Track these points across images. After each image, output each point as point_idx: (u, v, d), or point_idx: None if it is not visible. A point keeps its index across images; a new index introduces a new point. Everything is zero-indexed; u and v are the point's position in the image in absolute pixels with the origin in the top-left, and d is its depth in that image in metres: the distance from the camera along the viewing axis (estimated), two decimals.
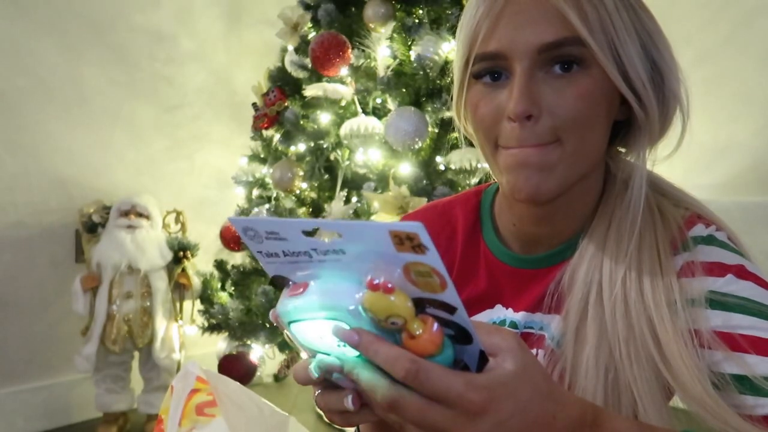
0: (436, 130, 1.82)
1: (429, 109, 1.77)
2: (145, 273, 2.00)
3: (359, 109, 1.90)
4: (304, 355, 0.45)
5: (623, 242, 0.60)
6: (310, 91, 1.94)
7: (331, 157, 2.03)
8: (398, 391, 0.38)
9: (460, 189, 1.73)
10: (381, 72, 1.81)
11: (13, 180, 2.06)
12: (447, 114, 1.78)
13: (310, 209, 2.08)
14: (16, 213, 2.07)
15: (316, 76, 2.00)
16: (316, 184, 2.08)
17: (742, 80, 1.92)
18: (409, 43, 1.79)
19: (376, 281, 0.36)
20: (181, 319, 2.14)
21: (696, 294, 0.56)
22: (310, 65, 1.97)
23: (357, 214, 1.80)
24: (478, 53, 0.58)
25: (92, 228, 2.09)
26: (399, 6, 1.86)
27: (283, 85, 2.15)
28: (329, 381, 0.43)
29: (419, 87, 1.80)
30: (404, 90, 1.80)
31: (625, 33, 0.56)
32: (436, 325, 0.37)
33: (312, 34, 2.06)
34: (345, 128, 1.84)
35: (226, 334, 2.14)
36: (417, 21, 1.80)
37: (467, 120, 0.66)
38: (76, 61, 2.17)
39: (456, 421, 0.37)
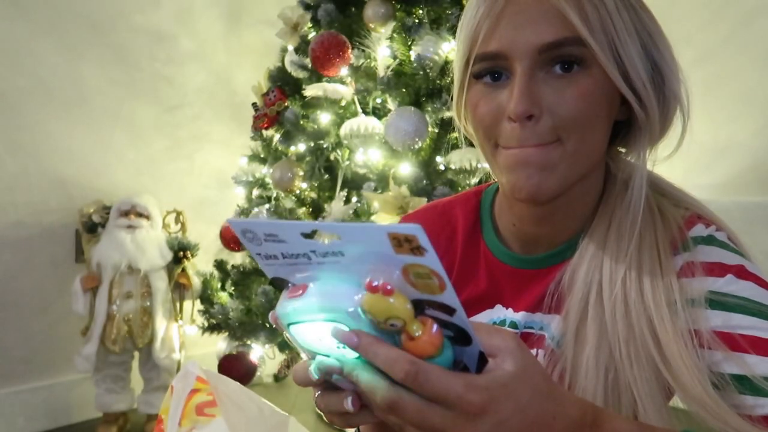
0: (436, 130, 1.82)
1: (429, 109, 1.77)
2: (145, 273, 2.00)
3: (359, 109, 1.90)
4: (304, 355, 0.45)
5: (623, 242, 0.60)
6: (310, 91, 1.94)
7: (331, 157, 2.03)
8: (398, 392, 0.38)
9: (460, 189, 1.73)
10: (381, 72, 1.81)
11: (13, 180, 2.06)
12: (447, 114, 1.78)
13: (310, 209, 2.08)
14: (16, 213, 2.07)
15: (316, 76, 2.00)
16: (316, 184, 2.08)
17: (742, 80, 1.92)
18: (409, 43, 1.79)
19: (375, 283, 0.36)
20: (181, 319, 2.14)
21: (696, 294, 0.56)
22: (310, 65, 1.97)
23: (357, 214, 1.80)
24: (478, 53, 0.58)
25: (92, 228, 2.09)
26: (399, 6, 1.85)
27: (283, 85, 2.15)
28: (329, 382, 0.43)
29: (419, 87, 1.80)
30: (404, 90, 1.80)
31: (626, 33, 0.56)
32: (435, 327, 0.37)
33: (312, 34, 2.06)
34: (345, 128, 1.84)
35: (226, 334, 2.14)
36: (417, 21, 1.80)
37: (467, 120, 0.66)
38: (76, 61, 2.17)
39: (456, 422, 0.37)
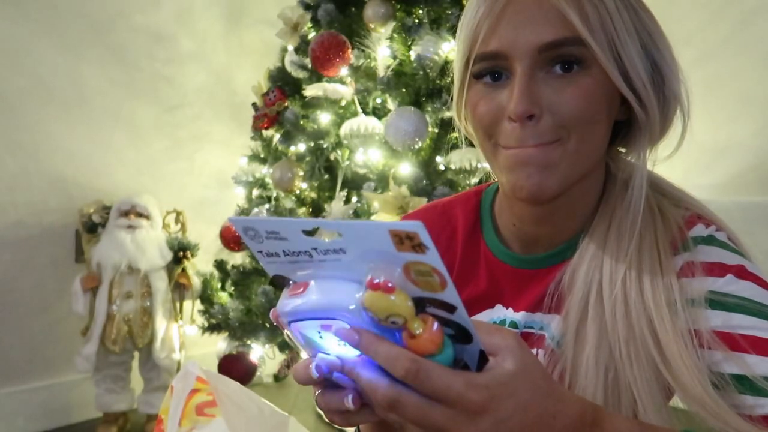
0: (436, 130, 1.82)
1: (429, 109, 1.77)
2: (145, 273, 2.00)
3: (359, 109, 1.90)
4: (304, 354, 0.45)
5: (623, 242, 0.60)
6: (310, 91, 1.94)
7: (331, 157, 2.03)
8: (398, 390, 0.38)
9: (460, 189, 1.73)
10: (381, 72, 1.81)
11: (13, 180, 2.06)
12: (447, 114, 1.78)
13: (310, 209, 2.08)
14: (16, 213, 2.07)
15: (316, 76, 2.00)
16: (316, 184, 2.08)
17: (742, 80, 1.92)
18: (409, 43, 1.79)
19: (377, 281, 0.36)
20: (181, 319, 2.14)
21: (696, 294, 0.56)
22: (310, 65, 1.97)
23: (357, 214, 1.80)
24: (478, 53, 0.58)
25: (92, 228, 2.09)
26: (399, 6, 1.85)
27: (283, 85, 2.15)
28: (329, 381, 0.43)
29: (419, 87, 1.80)
30: (404, 90, 1.80)
31: (626, 33, 0.56)
32: (436, 325, 0.37)
33: (312, 34, 2.06)
34: (345, 128, 1.84)
35: (226, 334, 2.14)
36: (417, 21, 1.80)
37: (467, 120, 0.66)
38: (76, 61, 2.17)
39: (456, 421, 0.37)
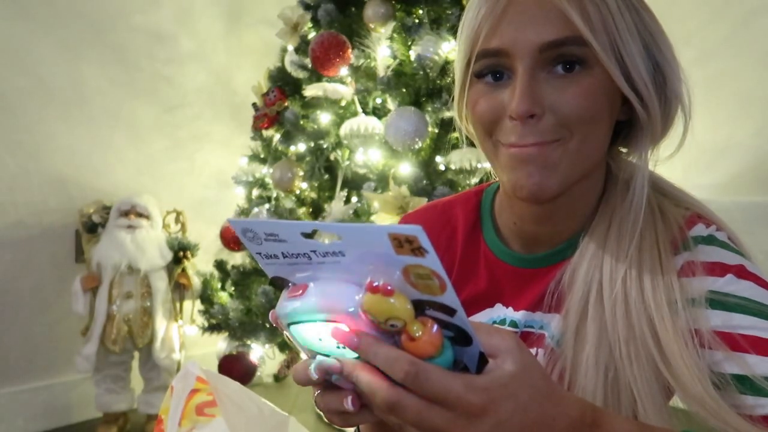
0: (436, 130, 1.82)
1: (429, 109, 1.77)
2: (145, 273, 2.00)
3: (359, 109, 1.90)
4: (304, 355, 0.45)
5: (624, 241, 0.60)
6: (310, 91, 1.94)
7: (331, 157, 2.03)
8: (397, 392, 0.38)
9: (460, 189, 1.73)
10: (381, 72, 1.81)
11: (13, 180, 2.06)
12: (447, 114, 1.78)
13: (310, 209, 2.08)
14: (16, 213, 2.07)
15: (316, 76, 2.00)
16: (316, 184, 2.08)
17: (742, 80, 1.92)
18: (409, 43, 1.79)
19: (376, 283, 0.36)
20: (181, 319, 2.14)
21: (696, 294, 0.56)
22: (310, 65, 1.97)
23: (357, 214, 1.80)
24: (480, 50, 0.58)
25: (92, 228, 2.09)
26: (399, 6, 1.85)
27: (283, 85, 2.15)
28: (329, 381, 0.43)
29: (419, 87, 1.80)
30: (404, 90, 1.80)
31: (628, 33, 0.56)
32: (435, 327, 0.37)
33: (312, 34, 2.06)
34: (345, 128, 1.84)
35: (226, 334, 2.14)
36: (417, 21, 1.80)
37: (468, 120, 0.66)
38: (76, 61, 2.17)
39: (455, 423, 0.37)
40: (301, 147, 2.07)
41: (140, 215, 2.04)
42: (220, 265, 2.23)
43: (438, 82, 1.77)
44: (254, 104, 2.21)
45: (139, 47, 2.33)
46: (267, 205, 2.08)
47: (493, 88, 0.59)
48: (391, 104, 1.85)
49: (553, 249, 0.66)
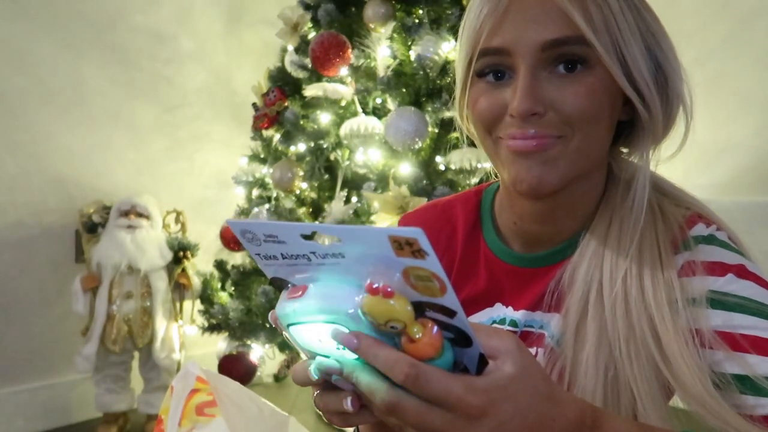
0: (436, 130, 1.82)
1: (429, 109, 1.77)
2: (145, 273, 2.00)
3: (359, 109, 1.90)
4: (303, 355, 0.45)
5: (624, 241, 0.60)
6: (310, 91, 1.94)
7: (331, 157, 2.03)
8: (397, 394, 0.38)
9: (460, 189, 1.73)
10: (381, 72, 1.81)
11: (13, 180, 2.06)
12: (447, 114, 1.78)
13: (310, 209, 2.08)
14: (16, 213, 2.07)
15: (316, 76, 2.00)
16: (316, 184, 2.08)
17: (742, 80, 1.92)
18: (409, 43, 1.79)
19: (376, 285, 0.36)
20: (181, 319, 2.14)
21: (697, 293, 0.56)
22: (310, 65, 1.97)
23: (357, 214, 1.79)
24: (481, 48, 0.58)
25: (92, 228, 2.09)
26: (399, 6, 1.85)
27: (283, 85, 2.15)
28: (328, 382, 0.43)
29: (419, 87, 1.80)
30: (404, 90, 1.80)
31: (629, 34, 0.56)
32: (435, 329, 0.37)
33: (312, 34, 2.06)
34: (345, 128, 1.84)
35: (226, 334, 2.14)
36: (417, 21, 1.80)
37: (469, 120, 0.66)
38: (76, 61, 2.17)
39: (455, 424, 0.37)
40: (301, 147, 2.07)
41: (140, 215, 2.03)
42: (220, 265, 2.23)
43: (438, 82, 1.77)
44: (254, 104, 2.21)
45: (139, 47, 2.33)
46: (267, 205, 2.07)
47: (495, 87, 0.59)
48: (391, 104, 1.85)
49: (553, 248, 0.66)
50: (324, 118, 1.99)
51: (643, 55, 0.57)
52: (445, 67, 1.76)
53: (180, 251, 2.11)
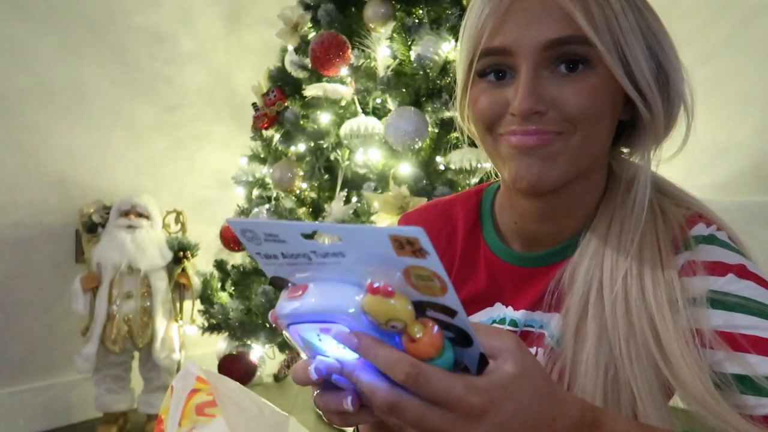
0: (436, 130, 1.82)
1: (429, 109, 1.77)
2: (145, 273, 1.99)
3: (359, 109, 1.90)
4: (304, 355, 0.45)
5: (625, 241, 0.60)
6: (310, 91, 1.94)
7: (331, 157, 2.02)
8: (398, 394, 0.38)
9: (460, 189, 1.73)
10: (381, 72, 1.81)
11: (13, 180, 2.06)
12: (447, 114, 1.78)
13: (310, 209, 2.08)
14: (16, 213, 2.07)
15: (316, 76, 2.00)
16: (316, 184, 2.08)
17: (742, 80, 1.92)
18: (409, 43, 1.79)
19: (376, 285, 0.36)
20: (181, 319, 2.14)
21: (697, 293, 0.56)
22: (310, 65, 1.97)
23: (357, 214, 1.79)
24: (483, 48, 0.58)
25: (92, 228, 2.09)
26: (399, 6, 1.85)
27: (283, 85, 2.15)
28: (328, 381, 0.43)
29: (419, 87, 1.80)
30: (404, 90, 1.80)
31: (631, 33, 0.56)
32: (436, 328, 0.37)
33: (312, 34, 2.06)
34: (345, 128, 1.84)
35: (226, 334, 2.14)
36: (417, 21, 1.80)
37: (470, 120, 0.66)
38: (76, 61, 2.17)
39: (456, 424, 0.37)
40: (301, 147, 2.07)
41: (140, 215, 2.03)
42: (220, 265, 2.23)
43: (438, 82, 1.77)
44: (254, 104, 2.21)
45: (139, 47, 2.33)
46: (267, 205, 2.07)
47: (496, 86, 0.59)
48: (391, 104, 1.85)
49: (553, 248, 0.66)
50: (324, 118, 1.99)
51: (645, 54, 0.57)
52: (445, 67, 1.76)
53: (180, 251, 2.10)
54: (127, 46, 2.29)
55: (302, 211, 2.05)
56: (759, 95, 1.88)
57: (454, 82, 0.67)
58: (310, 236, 0.38)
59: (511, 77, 0.58)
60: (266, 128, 2.15)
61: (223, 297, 2.14)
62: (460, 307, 0.36)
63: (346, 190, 1.98)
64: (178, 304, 2.13)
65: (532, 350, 0.63)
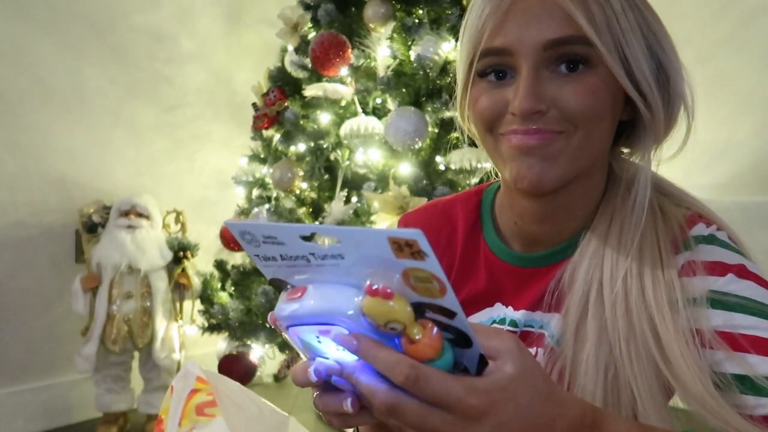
0: (436, 130, 1.82)
1: (429, 109, 1.77)
2: (145, 273, 2.00)
3: (359, 109, 1.90)
4: (303, 356, 0.45)
5: (625, 241, 0.60)
6: (310, 91, 1.94)
7: (331, 157, 2.03)
8: (397, 395, 0.38)
9: (460, 189, 1.73)
10: (381, 72, 1.81)
11: (13, 180, 2.06)
12: (447, 114, 1.78)
13: (310, 209, 2.08)
14: (16, 213, 2.07)
15: (316, 76, 2.00)
16: (316, 184, 2.08)
17: (743, 80, 1.92)
18: (409, 43, 1.79)
19: (375, 286, 0.36)
20: (181, 319, 2.14)
21: (697, 293, 0.56)
22: (310, 65, 1.97)
23: (357, 215, 1.79)
24: (483, 48, 0.58)
25: (92, 228, 2.09)
26: (399, 6, 1.85)
27: (283, 85, 2.15)
28: (328, 382, 0.43)
29: (419, 87, 1.80)
30: (404, 90, 1.80)
31: (631, 33, 0.56)
32: (435, 330, 0.37)
33: (312, 34, 2.06)
34: (345, 128, 1.84)
35: (226, 334, 2.14)
36: (417, 21, 1.80)
37: (470, 120, 0.66)
38: (76, 61, 2.17)
39: (456, 425, 0.37)
40: (301, 147, 2.07)
41: (140, 215, 2.03)
42: (220, 265, 2.23)
43: (438, 82, 1.77)
44: (254, 104, 2.21)
45: (139, 47, 2.33)
46: (267, 206, 2.07)
47: (496, 86, 0.59)
48: (391, 104, 1.85)
49: (553, 248, 0.66)
50: (324, 118, 1.99)
51: (645, 54, 0.57)
52: (445, 67, 1.75)
53: (180, 251, 2.10)
54: (127, 46, 2.29)
55: (302, 211, 2.05)
56: (759, 95, 1.88)
57: (454, 82, 0.67)
58: (308, 238, 0.38)
59: (512, 77, 0.58)
60: (266, 128, 2.15)
61: (223, 297, 2.14)
62: (459, 308, 0.36)
63: (346, 190, 1.98)
64: (178, 304, 2.13)
65: (532, 350, 0.63)
